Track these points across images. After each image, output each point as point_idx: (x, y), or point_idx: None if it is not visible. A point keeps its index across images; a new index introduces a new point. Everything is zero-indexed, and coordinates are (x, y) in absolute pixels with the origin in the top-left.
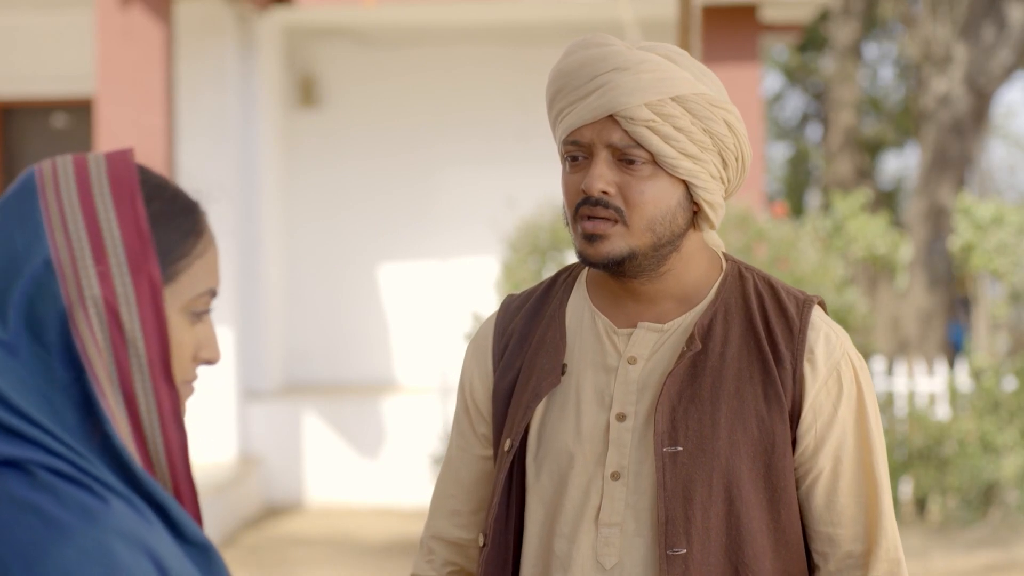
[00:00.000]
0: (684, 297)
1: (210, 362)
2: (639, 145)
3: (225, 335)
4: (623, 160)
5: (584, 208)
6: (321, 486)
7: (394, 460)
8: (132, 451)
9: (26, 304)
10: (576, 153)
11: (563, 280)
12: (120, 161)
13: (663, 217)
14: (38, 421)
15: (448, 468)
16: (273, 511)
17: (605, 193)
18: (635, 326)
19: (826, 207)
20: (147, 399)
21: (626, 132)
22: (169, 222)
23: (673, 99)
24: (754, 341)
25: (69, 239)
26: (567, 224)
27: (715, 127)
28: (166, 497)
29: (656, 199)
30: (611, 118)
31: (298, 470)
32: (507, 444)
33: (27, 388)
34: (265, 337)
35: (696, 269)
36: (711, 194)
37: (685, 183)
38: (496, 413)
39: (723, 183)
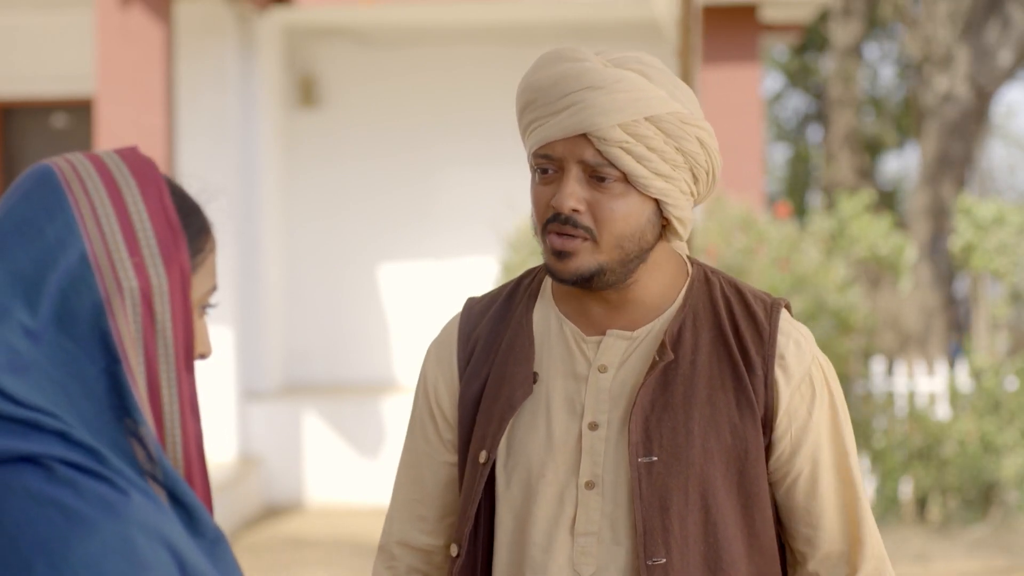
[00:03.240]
0: (652, 304)
1: (203, 356)
2: (611, 164)
3: (225, 335)
4: (594, 177)
5: (553, 225)
6: (321, 486)
7: (394, 460)
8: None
9: (58, 296)
10: (547, 166)
11: (527, 285)
12: (138, 157)
13: (632, 234)
14: (55, 412)
15: (410, 473)
16: (273, 511)
17: (575, 211)
18: (604, 333)
19: (828, 207)
20: (170, 388)
21: (598, 151)
22: (185, 218)
23: (647, 119)
24: (724, 347)
25: (103, 232)
26: (535, 234)
27: (687, 145)
28: (186, 489)
29: (626, 217)
30: (583, 136)
31: (298, 470)
32: (483, 456)
33: (49, 379)
34: (265, 337)
35: (663, 277)
36: (681, 210)
37: (656, 200)
38: (462, 420)
39: (692, 196)
